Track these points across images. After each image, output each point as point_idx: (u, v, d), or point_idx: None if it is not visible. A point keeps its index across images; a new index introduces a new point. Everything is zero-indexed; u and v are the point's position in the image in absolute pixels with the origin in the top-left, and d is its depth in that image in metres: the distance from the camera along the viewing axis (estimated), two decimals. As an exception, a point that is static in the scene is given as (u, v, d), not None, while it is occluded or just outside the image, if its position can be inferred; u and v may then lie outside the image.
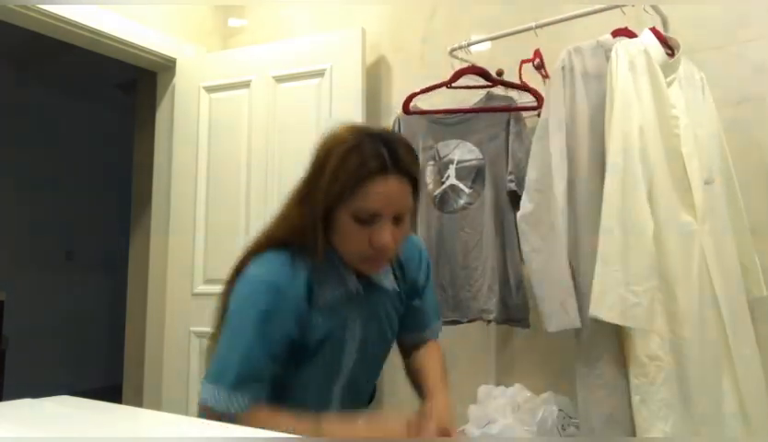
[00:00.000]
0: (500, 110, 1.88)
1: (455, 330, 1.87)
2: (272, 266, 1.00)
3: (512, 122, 1.87)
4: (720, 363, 1.39)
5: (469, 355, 2.08)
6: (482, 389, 1.82)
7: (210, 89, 2.55)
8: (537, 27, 1.73)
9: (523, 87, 1.90)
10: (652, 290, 1.30)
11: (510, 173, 1.82)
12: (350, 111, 2.26)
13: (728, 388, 1.39)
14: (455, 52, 1.96)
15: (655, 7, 1.62)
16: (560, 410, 1.68)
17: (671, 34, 1.58)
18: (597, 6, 1.64)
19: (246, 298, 0.99)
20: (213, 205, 2.47)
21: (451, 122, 1.93)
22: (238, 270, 1.03)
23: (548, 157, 1.42)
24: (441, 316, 1.69)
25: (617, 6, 1.62)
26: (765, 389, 1.50)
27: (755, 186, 1.69)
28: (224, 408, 0.92)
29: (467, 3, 2.24)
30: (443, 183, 1.90)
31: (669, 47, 1.51)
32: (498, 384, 1.92)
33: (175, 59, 2.65)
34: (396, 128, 2.01)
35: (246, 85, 2.47)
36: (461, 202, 1.87)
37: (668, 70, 1.47)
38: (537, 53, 1.88)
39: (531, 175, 1.45)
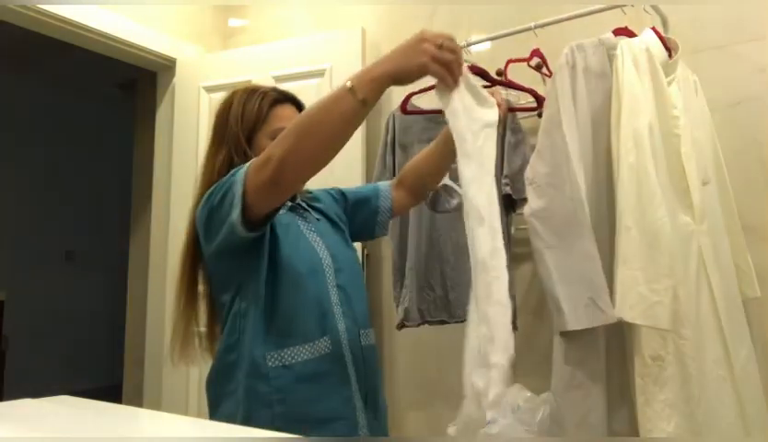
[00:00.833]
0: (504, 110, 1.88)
1: (455, 330, 1.87)
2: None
3: (509, 124, 1.87)
4: (719, 363, 1.39)
5: (469, 355, 2.08)
6: (483, 390, 1.82)
7: (210, 89, 2.55)
8: (537, 27, 1.73)
9: (523, 89, 1.90)
10: (672, 288, 1.28)
11: (505, 176, 1.81)
12: (350, 111, 2.25)
13: (727, 388, 1.39)
14: (455, 52, 1.96)
15: (655, 7, 1.63)
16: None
17: (671, 34, 1.58)
18: (597, 6, 1.64)
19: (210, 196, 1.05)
20: (213, 205, 2.47)
21: (447, 121, 1.93)
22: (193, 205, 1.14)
23: (560, 150, 1.39)
24: (427, 314, 1.70)
25: (617, 6, 1.62)
26: (762, 390, 1.50)
27: (753, 187, 1.69)
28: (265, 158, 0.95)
29: (467, 3, 2.24)
30: None
31: (668, 48, 1.51)
32: (498, 384, 1.92)
33: (175, 59, 2.65)
34: (391, 125, 2.01)
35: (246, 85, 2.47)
36: (454, 202, 1.86)
37: (667, 70, 1.48)
38: (534, 53, 1.88)
39: (541, 169, 1.41)
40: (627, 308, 1.27)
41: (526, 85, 1.90)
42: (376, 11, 2.45)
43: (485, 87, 1.94)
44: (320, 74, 2.34)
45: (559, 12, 1.70)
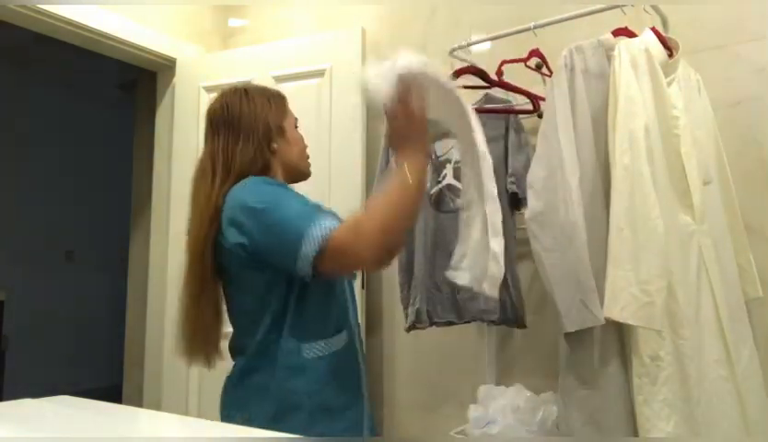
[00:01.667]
0: (498, 111, 1.88)
1: (455, 330, 1.87)
2: (259, 178, 1.18)
3: (511, 125, 1.87)
4: (720, 363, 1.39)
5: (469, 355, 2.08)
6: (482, 389, 1.82)
7: (210, 89, 2.54)
8: (536, 27, 1.73)
9: (519, 91, 1.90)
10: (664, 289, 1.29)
11: (511, 175, 1.82)
12: (350, 111, 2.26)
13: (729, 388, 1.39)
14: (455, 52, 1.96)
15: (655, 7, 1.62)
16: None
17: (671, 34, 1.58)
18: (597, 6, 1.63)
19: (260, 190, 1.12)
20: (213, 205, 2.47)
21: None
22: (214, 196, 1.14)
23: (556, 154, 1.40)
24: (434, 315, 1.81)
25: (617, 6, 1.62)
26: (764, 389, 1.50)
27: (754, 186, 1.69)
28: (333, 224, 1.03)
29: (467, 3, 2.24)
30: (439, 182, 1.90)
31: (668, 47, 1.51)
32: (498, 384, 1.92)
33: (175, 59, 2.65)
34: None
35: (246, 85, 2.47)
36: (459, 201, 1.88)
37: (668, 70, 1.48)
38: (533, 53, 1.88)
39: (539, 173, 1.42)
40: (618, 309, 1.27)
41: (525, 85, 1.90)
42: (376, 11, 2.45)
43: (484, 87, 1.95)
44: (319, 74, 2.34)
45: (559, 12, 1.70)
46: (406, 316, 1.90)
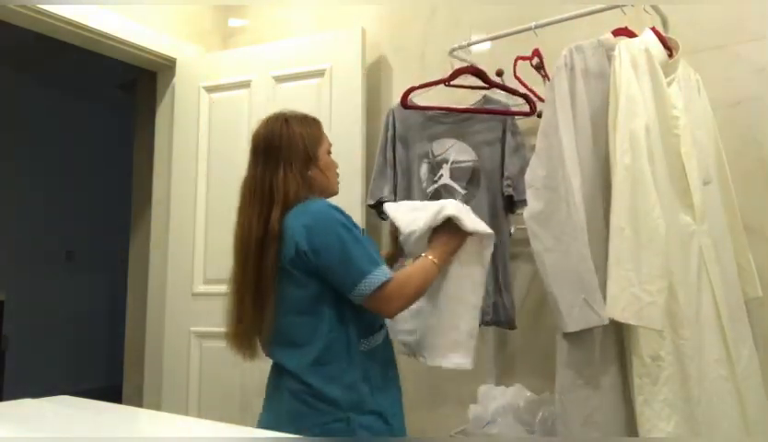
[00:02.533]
0: (497, 112, 1.88)
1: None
2: (317, 202, 1.35)
3: (508, 127, 1.87)
4: (720, 363, 1.39)
5: (469, 355, 2.07)
6: (482, 389, 1.82)
7: (210, 89, 2.55)
8: (537, 27, 1.73)
9: (516, 93, 1.90)
10: (665, 289, 1.29)
11: (507, 178, 1.82)
12: (350, 111, 2.26)
13: (729, 388, 1.39)
14: (455, 52, 1.96)
15: (655, 7, 1.62)
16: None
17: (671, 34, 1.58)
18: (597, 6, 1.64)
19: (331, 218, 1.30)
20: (213, 205, 2.47)
21: (447, 121, 1.93)
22: (270, 218, 1.29)
23: (556, 153, 1.40)
24: None
25: (617, 6, 1.62)
26: (764, 389, 1.50)
27: (754, 186, 1.69)
28: (389, 276, 1.26)
29: (467, 3, 2.24)
30: (435, 182, 1.90)
31: (668, 47, 1.51)
32: (498, 384, 1.92)
33: (175, 59, 2.65)
34: (390, 121, 2.01)
35: (246, 85, 2.47)
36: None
37: (667, 70, 1.48)
38: (536, 52, 1.88)
39: (539, 172, 1.42)
40: (619, 309, 1.27)
41: (529, 84, 1.90)
42: (376, 11, 2.45)
43: (483, 88, 1.95)
44: (320, 74, 2.34)
45: (559, 12, 1.70)
46: None
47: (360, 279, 1.24)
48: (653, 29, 1.50)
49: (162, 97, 2.77)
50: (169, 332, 2.48)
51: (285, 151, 1.35)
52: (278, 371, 1.34)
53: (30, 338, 4.31)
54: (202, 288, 2.44)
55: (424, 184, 1.92)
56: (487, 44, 2.12)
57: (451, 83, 1.91)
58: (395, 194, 1.98)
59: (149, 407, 2.49)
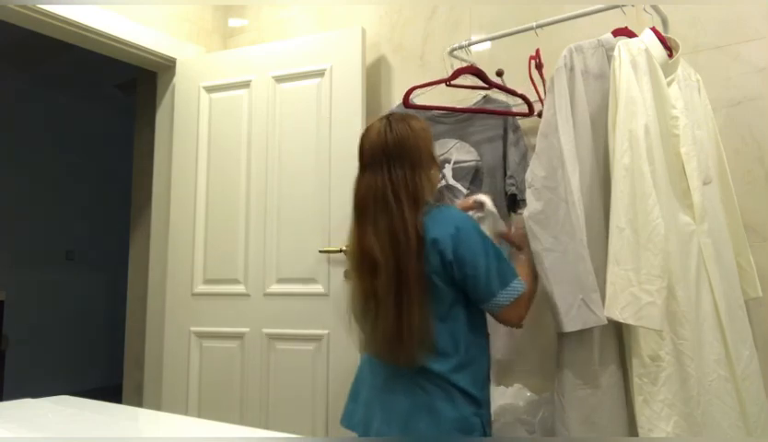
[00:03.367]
0: (496, 112, 1.88)
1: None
2: (454, 209, 1.45)
3: (510, 127, 1.87)
4: (720, 363, 1.39)
5: (469, 355, 2.07)
6: (482, 389, 1.81)
7: (210, 89, 2.55)
8: (537, 27, 1.73)
9: (515, 93, 1.90)
10: (665, 289, 1.28)
11: (510, 177, 1.82)
12: (350, 111, 2.26)
13: (729, 388, 1.39)
14: (455, 52, 1.96)
15: (655, 7, 1.63)
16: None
17: (671, 34, 1.58)
18: (597, 6, 1.64)
19: (472, 227, 1.35)
20: (213, 205, 2.47)
21: (449, 121, 1.93)
22: (417, 229, 1.30)
23: (556, 153, 1.40)
24: None
25: (617, 6, 1.62)
26: (764, 389, 1.50)
27: (754, 186, 1.69)
28: (525, 285, 1.34)
29: (467, 3, 2.24)
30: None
31: (668, 47, 1.51)
32: (498, 384, 1.92)
33: (175, 59, 2.65)
34: None
35: (246, 85, 2.47)
36: (458, 202, 1.88)
37: (667, 70, 1.48)
38: (539, 53, 1.88)
39: (539, 173, 1.42)
40: (618, 309, 1.27)
41: (526, 85, 1.90)
42: (376, 11, 2.45)
43: (483, 88, 1.95)
44: (319, 74, 2.34)
45: (559, 12, 1.71)
46: None
47: (500, 289, 1.30)
48: (653, 28, 1.50)
49: (162, 97, 2.77)
50: (169, 332, 2.48)
51: (414, 154, 1.36)
52: (413, 371, 1.31)
53: (30, 338, 4.31)
54: (202, 288, 2.44)
55: None
56: (487, 44, 2.12)
57: (452, 83, 1.91)
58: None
59: (149, 407, 2.49)
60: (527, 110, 1.88)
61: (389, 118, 1.41)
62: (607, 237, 1.34)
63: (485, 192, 1.86)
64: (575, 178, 1.38)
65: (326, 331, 2.19)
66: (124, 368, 3.05)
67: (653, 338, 1.31)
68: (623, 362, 1.36)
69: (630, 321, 1.28)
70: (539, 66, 1.89)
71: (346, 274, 2.17)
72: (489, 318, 1.41)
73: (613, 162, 1.34)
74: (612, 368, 1.36)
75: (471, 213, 1.58)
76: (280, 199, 2.34)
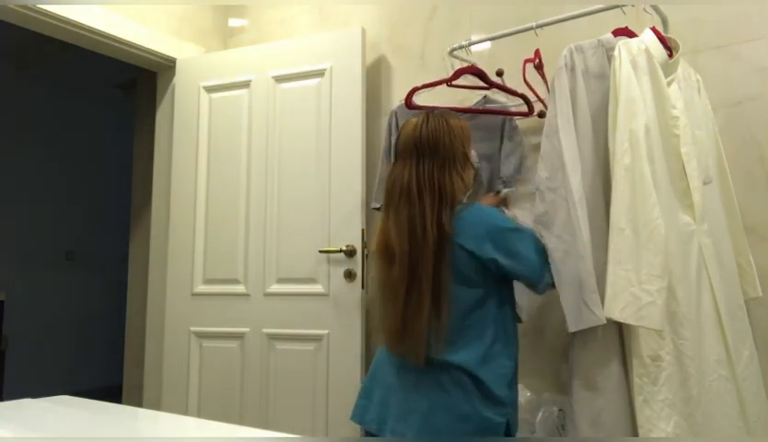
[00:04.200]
0: (495, 112, 1.88)
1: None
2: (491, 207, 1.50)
3: (507, 126, 1.88)
4: (720, 363, 1.39)
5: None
6: (483, 389, 1.81)
7: (210, 89, 2.55)
8: (537, 27, 1.73)
9: (515, 93, 1.90)
10: (665, 289, 1.28)
11: (500, 178, 1.83)
12: (350, 111, 2.26)
13: (729, 388, 1.39)
14: (455, 52, 1.96)
15: (655, 7, 1.62)
16: (560, 410, 1.68)
17: (671, 34, 1.58)
18: (597, 6, 1.64)
19: (505, 220, 1.40)
20: (213, 205, 2.47)
21: None
22: (442, 219, 1.32)
23: (557, 154, 1.40)
24: None
25: (617, 6, 1.62)
26: (764, 389, 1.50)
27: (754, 186, 1.69)
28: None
29: (467, 3, 2.24)
30: None
31: (668, 47, 1.51)
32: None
33: (175, 59, 2.65)
34: (393, 121, 2.00)
35: (246, 85, 2.47)
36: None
37: (667, 70, 1.48)
38: (538, 53, 1.88)
39: (543, 174, 1.43)
40: (618, 309, 1.27)
41: (532, 84, 1.90)
42: (376, 11, 2.45)
43: (483, 88, 1.95)
44: (319, 74, 2.34)
45: (559, 12, 1.70)
46: None
47: (546, 270, 1.36)
48: (653, 28, 1.50)
49: (162, 97, 2.77)
50: (169, 332, 2.48)
51: (445, 151, 1.37)
52: (436, 368, 1.31)
53: (30, 338, 4.31)
54: (202, 288, 2.44)
55: None
56: (487, 44, 2.12)
57: (453, 83, 1.91)
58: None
59: (149, 407, 2.49)
60: (527, 110, 1.88)
61: (429, 113, 1.43)
62: (608, 237, 1.34)
63: (485, 193, 1.87)
64: (575, 178, 1.38)
65: (326, 331, 2.19)
66: (124, 368, 3.05)
67: (653, 338, 1.31)
68: (627, 363, 1.36)
69: (630, 321, 1.27)
70: (539, 66, 1.89)
71: (347, 274, 2.17)
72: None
73: (614, 162, 1.34)
74: (618, 369, 1.36)
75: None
76: (280, 199, 2.34)
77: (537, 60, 1.89)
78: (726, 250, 1.51)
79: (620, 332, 1.37)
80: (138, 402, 2.67)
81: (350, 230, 2.19)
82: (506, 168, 1.84)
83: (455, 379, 1.29)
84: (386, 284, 1.35)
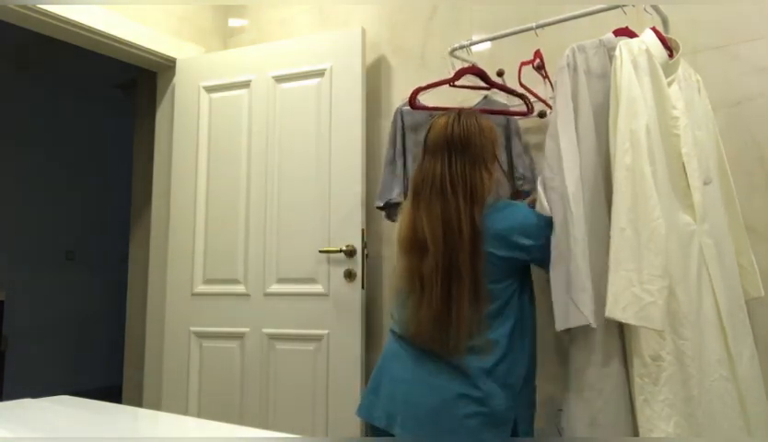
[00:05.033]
0: (494, 112, 1.88)
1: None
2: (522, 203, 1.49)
3: (513, 127, 1.88)
4: (721, 363, 1.39)
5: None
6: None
7: (210, 89, 2.55)
8: (537, 27, 1.73)
9: (514, 93, 1.90)
10: (666, 289, 1.29)
11: (521, 177, 1.84)
12: (350, 111, 2.26)
13: (730, 388, 1.39)
14: (455, 52, 1.96)
15: (655, 7, 1.62)
16: (560, 410, 1.67)
17: (671, 34, 1.58)
18: (597, 6, 1.64)
19: (531, 212, 1.42)
20: (213, 205, 2.47)
21: None
22: (474, 215, 1.35)
23: (558, 153, 1.40)
24: None
25: (617, 6, 1.62)
26: (764, 390, 1.50)
27: (754, 186, 1.69)
28: None
29: (467, 3, 2.24)
30: None
31: (669, 48, 1.51)
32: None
33: (175, 59, 2.65)
34: (399, 121, 2.00)
35: (246, 85, 2.47)
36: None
37: (668, 70, 1.47)
38: (537, 54, 1.88)
39: (546, 174, 1.44)
40: (620, 309, 1.27)
41: (530, 85, 1.91)
42: (376, 11, 2.45)
43: (484, 88, 1.95)
44: (319, 74, 2.34)
45: (560, 12, 1.70)
46: None
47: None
48: (653, 28, 1.50)
49: (162, 97, 2.77)
50: (169, 332, 2.48)
51: (477, 150, 1.39)
52: (445, 364, 1.34)
53: (30, 338, 4.31)
54: (202, 288, 2.44)
55: None
56: (487, 44, 2.12)
57: (454, 83, 1.91)
58: (405, 196, 1.98)
59: (149, 407, 2.49)
60: (525, 110, 1.89)
61: (460, 112, 1.45)
62: (609, 237, 1.34)
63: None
64: (570, 174, 1.38)
65: (326, 331, 2.19)
66: (124, 368, 3.05)
67: (654, 338, 1.31)
68: (627, 363, 1.36)
69: (631, 321, 1.27)
70: (539, 66, 1.89)
71: (347, 274, 2.17)
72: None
73: (614, 162, 1.34)
74: (617, 370, 1.36)
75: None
76: (280, 199, 2.34)
77: (537, 60, 1.89)
78: (727, 250, 1.51)
79: (619, 333, 1.37)
80: (138, 402, 2.67)
81: (350, 230, 2.19)
82: (521, 166, 1.85)
83: (466, 377, 1.31)
84: (415, 275, 1.36)
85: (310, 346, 2.21)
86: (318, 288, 2.22)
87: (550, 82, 1.85)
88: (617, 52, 1.39)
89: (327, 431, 2.13)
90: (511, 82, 1.95)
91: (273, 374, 2.26)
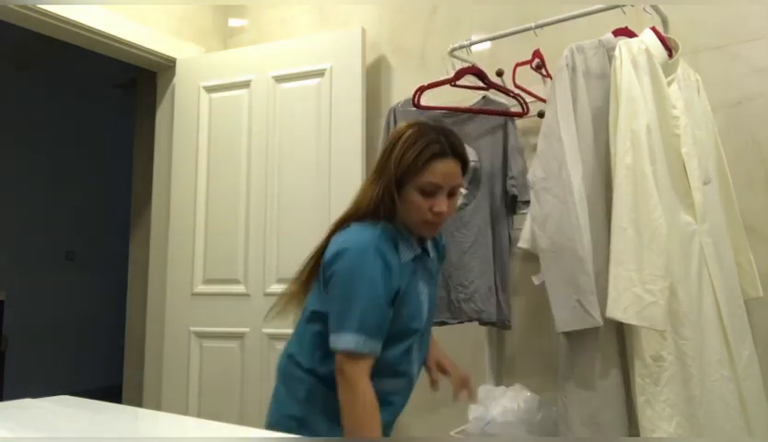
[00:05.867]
0: (491, 112, 1.89)
1: (455, 330, 1.87)
2: (371, 234, 1.20)
3: (510, 127, 1.88)
4: (722, 363, 1.39)
5: (468, 355, 2.07)
6: (482, 389, 1.81)
7: (210, 89, 2.55)
8: (537, 27, 1.73)
9: (509, 94, 1.90)
10: (667, 289, 1.28)
11: (512, 178, 1.83)
12: (350, 111, 2.26)
13: (731, 388, 1.39)
14: (455, 52, 1.96)
15: (655, 7, 1.62)
16: (553, 407, 1.67)
17: (671, 34, 1.58)
18: (597, 6, 1.63)
19: (359, 264, 1.17)
20: (213, 205, 2.47)
21: (448, 122, 1.93)
22: (327, 241, 1.30)
23: (555, 155, 1.40)
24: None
25: (617, 6, 1.62)
26: (764, 389, 1.50)
27: (754, 186, 1.69)
28: (367, 351, 1.12)
29: (467, 3, 2.24)
30: None
31: (668, 48, 1.51)
32: (498, 384, 1.92)
33: (175, 59, 2.65)
34: (391, 120, 2.00)
35: (246, 85, 2.47)
36: (458, 202, 1.88)
37: (667, 70, 1.47)
38: (536, 54, 1.88)
39: (539, 174, 1.42)
40: (621, 309, 1.27)
41: (528, 85, 1.91)
42: (376, 11, 2.45)
43: (483, 88, 1.95)
44: (319, 74, 2.34)
45: (559, 12, 1.70)
46: None
47: (339, 332, 1.15)
48: (653, 28, 1.50)
49: (162, 97, 2.77)
50: (169, 332, 2.48)
51: (381, 165, 1.25)
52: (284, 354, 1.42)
53: (30, 338, 4.31)
54: (202, 288, 2.44)
55: None
56: (487, 44, 2.12)
57: (455, 83, 1.91)
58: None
59: (149, 407, 2.49)
60: (521, 111, 1.89)
61: (415, 124, 1.25)
62: (609, 237, 1.34)
63: (484, 194, 1.87)
64: (576, 179, 1.37)
65: (326, 332, 2.19)
66: (124, 368, 3.05)
67: (655, 338, 1.31)
68: (625, 363, 1.36)
69: (633, 321, 1.27)
70: (539, 66, 1.89)
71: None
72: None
73: (615, 162, 1.34)
74: (614, 369, 1.36)
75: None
76: (280, 198, 2.34)
77: (536, 60, 1.89)
78: (726, 250, 1.51)
79: (618, 333, 1.37)
80: (138, 402, 2.67)
81: (350, 230, 2.19)
82: (516, 168, 1.85)
83: (290, 371, 1.42)
84: None
85: (310, 346, 2.20)
86: (318, 288, 2.22)
87: (551, 78, 1.85)
88: (617, 52, 1.39)
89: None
90: (511, 82, 1.95)
91: (272, 374, 2.25)
